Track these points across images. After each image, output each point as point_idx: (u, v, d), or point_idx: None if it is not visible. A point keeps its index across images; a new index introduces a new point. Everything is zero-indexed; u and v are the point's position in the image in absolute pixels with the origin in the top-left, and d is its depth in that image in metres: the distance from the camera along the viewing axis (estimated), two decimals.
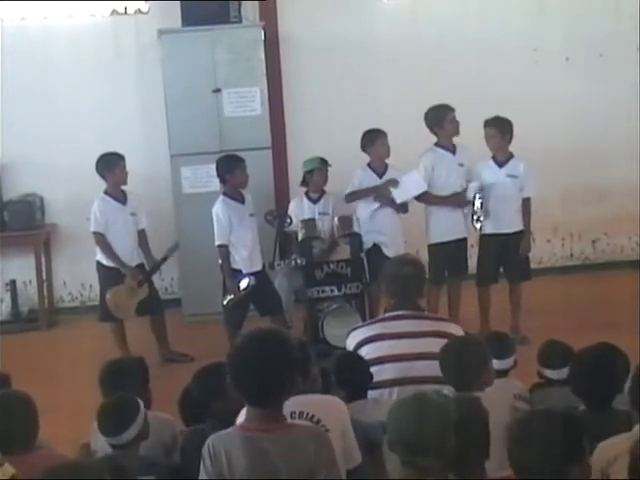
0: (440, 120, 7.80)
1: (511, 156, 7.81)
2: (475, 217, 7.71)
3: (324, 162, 8.19)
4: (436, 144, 7.92)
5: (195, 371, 4.46)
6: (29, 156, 9.34)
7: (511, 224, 7.79)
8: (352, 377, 4.63)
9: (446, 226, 7.87)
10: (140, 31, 9.50)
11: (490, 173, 7.81)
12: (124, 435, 4.07)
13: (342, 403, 3.96)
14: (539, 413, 3.30)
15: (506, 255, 7.79)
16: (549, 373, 4.82)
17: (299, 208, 8.19)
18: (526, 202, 7.84)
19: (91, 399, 4.67)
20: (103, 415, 4.19)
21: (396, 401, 3.48)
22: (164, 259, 8.07)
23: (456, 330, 5.01)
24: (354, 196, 8.01)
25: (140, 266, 7.94)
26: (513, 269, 7.86)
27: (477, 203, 7.67)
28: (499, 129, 7.75)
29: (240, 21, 9.18)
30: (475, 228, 7.80)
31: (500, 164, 7.80)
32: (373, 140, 7.96)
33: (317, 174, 8.18)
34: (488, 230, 7.79)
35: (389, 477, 4.17)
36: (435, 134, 7.89)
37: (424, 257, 8.10)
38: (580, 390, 4.08)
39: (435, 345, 4.75)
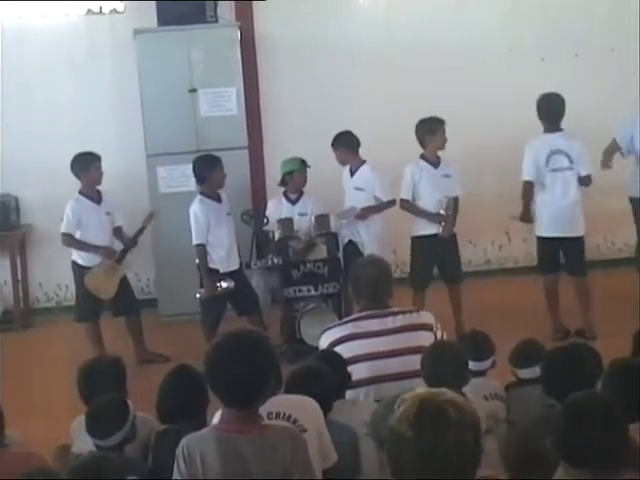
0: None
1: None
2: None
3: (304, 163, 8.16)
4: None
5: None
6: (3, 156, 9.25)
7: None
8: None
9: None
10: (115, 31, 9.45)
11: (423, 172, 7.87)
12: (113, 438, 4.05)
13: (316, 403, 3.95)
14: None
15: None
16: (519, 373, 4.86)
17: (278, 209, 8.19)
18: (456, 201, 7.86)
19: (67, 400, 4.66)
20: (94, 416, 4.15)
21: (380, 403, 3.46)
22: (141, 230, 8.04)
23: (429, 319, 4.99)
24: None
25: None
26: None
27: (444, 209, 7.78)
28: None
29: (216, 21, 9.17)
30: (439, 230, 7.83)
31: (435, 164, 7.87)
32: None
33: (297, 175, 8.15)
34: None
35: (365, 477, 4.18)
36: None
37: (401, 258, 8.12)
38: (552, 388, 4.10)
39: (409, 339, 4.78)
